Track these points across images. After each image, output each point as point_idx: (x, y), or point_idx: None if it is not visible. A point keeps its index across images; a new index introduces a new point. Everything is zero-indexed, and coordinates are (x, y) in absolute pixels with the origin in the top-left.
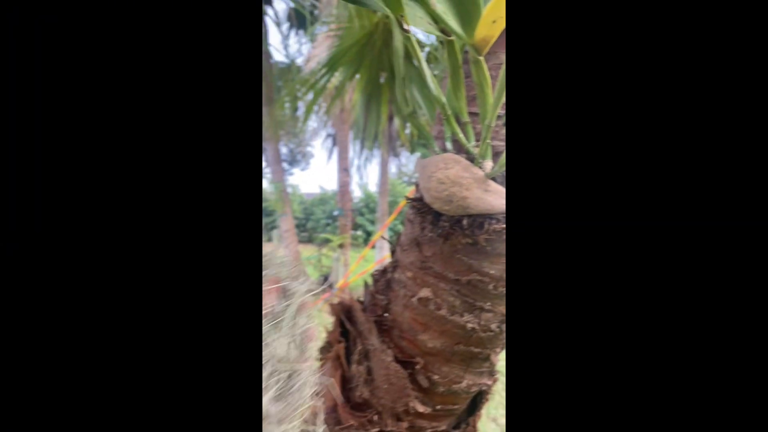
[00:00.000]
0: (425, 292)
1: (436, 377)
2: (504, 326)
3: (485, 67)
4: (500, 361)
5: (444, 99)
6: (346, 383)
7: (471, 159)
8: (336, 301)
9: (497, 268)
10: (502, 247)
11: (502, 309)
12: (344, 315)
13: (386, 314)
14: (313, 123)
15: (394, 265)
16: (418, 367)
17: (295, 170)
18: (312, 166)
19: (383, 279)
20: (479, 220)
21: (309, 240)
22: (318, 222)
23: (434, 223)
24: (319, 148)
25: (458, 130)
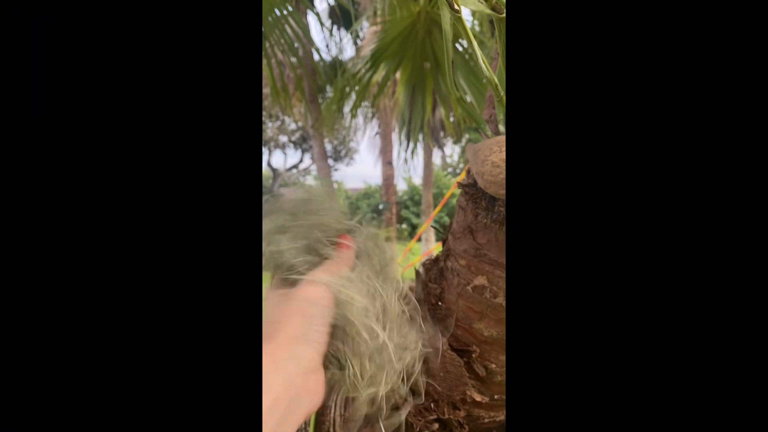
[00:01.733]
0: (480, 280)
1: (493, 366)
2: None
3: None
4: None
5: (496, 80)
6: None
7: None
8: None
9: None
10: None
11: None
12: None
13: (440, 303)
14: (357, 118)
15: (446, 253)
16: (474, 355)
17: (340, 166)
18: (356, 161)
19: (435, 268)
20: None
21: None
22: (363, 216)
23: (488, 209)
24: (362, 142)
25: None
